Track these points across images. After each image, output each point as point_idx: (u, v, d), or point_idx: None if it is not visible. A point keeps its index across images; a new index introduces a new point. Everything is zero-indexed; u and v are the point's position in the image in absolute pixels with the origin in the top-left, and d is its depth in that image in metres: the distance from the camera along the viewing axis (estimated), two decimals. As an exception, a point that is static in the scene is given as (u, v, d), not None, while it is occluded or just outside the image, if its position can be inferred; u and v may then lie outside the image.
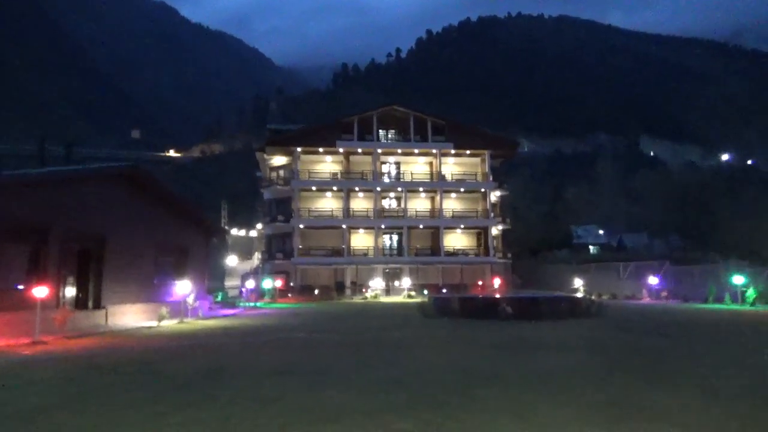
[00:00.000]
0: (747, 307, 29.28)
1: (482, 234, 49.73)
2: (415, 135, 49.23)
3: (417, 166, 50.84)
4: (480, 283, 46.44)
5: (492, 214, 49.77)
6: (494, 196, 51.63)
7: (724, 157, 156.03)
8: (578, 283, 44.46)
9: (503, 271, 48.92)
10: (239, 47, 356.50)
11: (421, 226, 48.71)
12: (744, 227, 66.14)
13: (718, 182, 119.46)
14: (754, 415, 6.93)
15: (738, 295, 31.22)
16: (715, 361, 11.51)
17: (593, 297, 40.21)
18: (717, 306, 30.62)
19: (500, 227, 51.68)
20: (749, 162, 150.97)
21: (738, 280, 31.34)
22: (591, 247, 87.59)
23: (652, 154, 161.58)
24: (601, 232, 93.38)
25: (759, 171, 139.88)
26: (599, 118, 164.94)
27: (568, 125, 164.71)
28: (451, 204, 50.51)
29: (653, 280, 37.48)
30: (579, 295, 35.07)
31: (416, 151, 49.67)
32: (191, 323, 21.43)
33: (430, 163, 50.65)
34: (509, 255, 52.13)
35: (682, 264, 44.84)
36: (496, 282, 44.47)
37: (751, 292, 30.64)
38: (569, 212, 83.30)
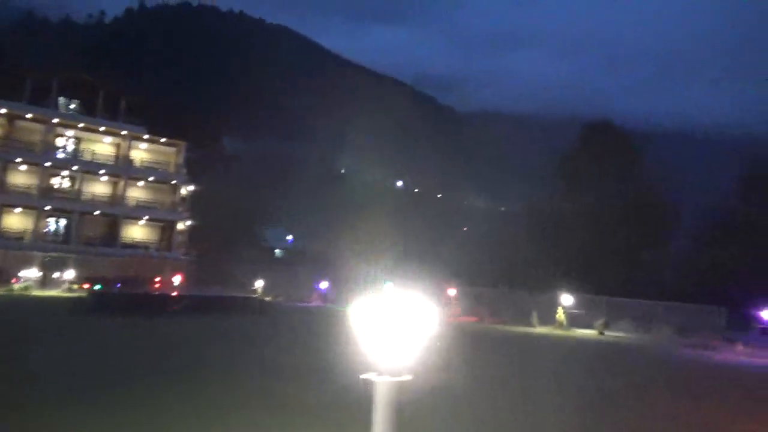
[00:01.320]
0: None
1: (168, 228, 47.46)
2: (105, 111, 44.41)
3: (101, 146, 45.80)
4: (158, 279, 44.07)
5: (181, 209, 47.95)
6: (186, 189, 49.87)
7: (399, 183, 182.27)
8: (259, 283, 46.14)
9: (187, 268, 47.43)
10: None
11: (97, 213, 43.93)
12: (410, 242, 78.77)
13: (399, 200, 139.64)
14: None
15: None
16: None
17: (267, 297, 42.24)
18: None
19: (189, 223, 50.11)
20: (415, 190, 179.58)
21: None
22: (277, 250, 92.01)
23: (342, 171, 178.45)
24: (289, 237, 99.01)
25: (420, 196, 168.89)
26: (297, 127, 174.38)
27: (275, 126, 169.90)
28: (137, 193, 46.90)
29: (323, 285, 41.29)
30: (251, 295, 36.21)
31: (102, 128, 44.76)
32: None
33: (118, 145, 46.23)
34: (196, 252, 50.86)
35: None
36: (177, 279, 42.87)
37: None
38: (263, 214, 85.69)
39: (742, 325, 24.06)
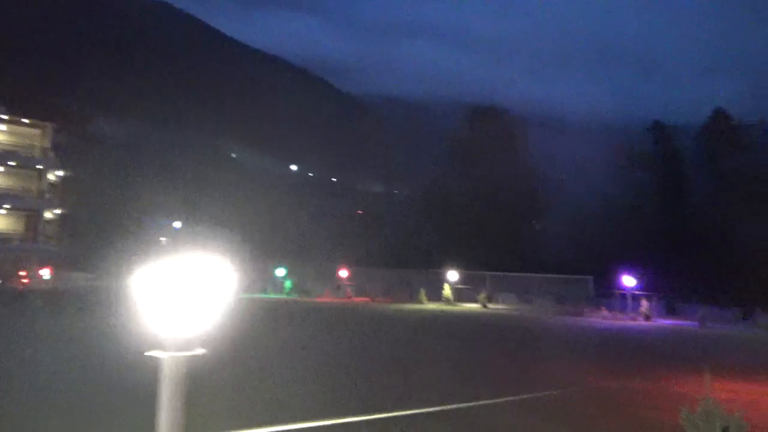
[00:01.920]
0: (284, 296, 34.04)
1: (33, 217, 43.27)
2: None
3: (-52, 127, 40.64)
4: (24, 273, 40.14)
5: (48, 196, 43.89)
6: (54, 175, 45.69)
7: (293, 167, 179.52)
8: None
9: (56, 260, 43.59)
10: None
11: (-55, 202, 39.04)
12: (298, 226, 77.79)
13: (285, 188, 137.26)
14: None
15: (278, 286, 36.12)
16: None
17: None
18: (263, 295, 34.57)
19: (59, 211, 46.05)
20: (309, 174, 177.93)
21: (280, 272, 36.29)
22: (162, 238, 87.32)
23: (233, 156, 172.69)
24: (176, 224, 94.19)
25: (313, 180, 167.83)
26: (184, 110, 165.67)
27: (160, 110, 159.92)
28: (-5, 179, 42.24)
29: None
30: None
31: (-52, 107, 39.65)
32: None
33: (-30, 126, 41.24)
34: (68, 243, 46.92)
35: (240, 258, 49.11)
36: (45, 272, 39.29)
37: (287, 284, 35.84)
38: (146, 201, 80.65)
39: (608, 292, 26.18)
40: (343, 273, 33.45)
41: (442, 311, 24.90)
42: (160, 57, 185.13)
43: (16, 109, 41.98)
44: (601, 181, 46.82)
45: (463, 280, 31.98)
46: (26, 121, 43.29)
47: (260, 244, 69.28)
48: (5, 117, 41.94)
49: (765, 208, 36.99)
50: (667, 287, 27.79)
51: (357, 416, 6.22)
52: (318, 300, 31.18)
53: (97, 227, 60.37)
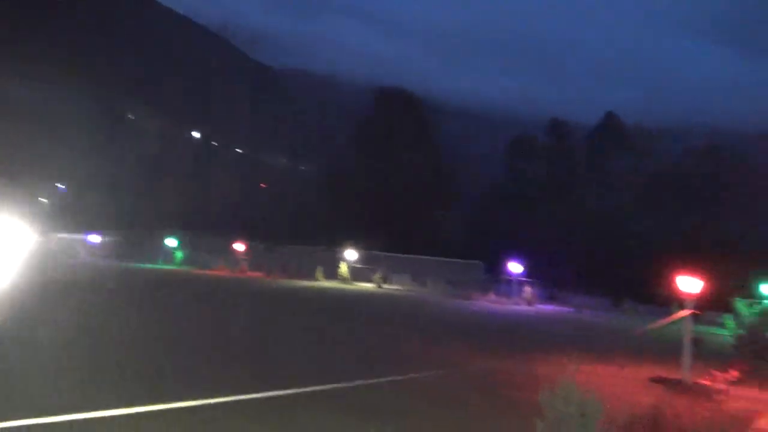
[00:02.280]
0: (174, 267, 32.52)
1: None
2: None
3: None
4: None
5: None
6: None
7: (195, 133, 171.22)
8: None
9: None
10: None
11: None
12: (198, 197, 74.54)
13: (187, 155, 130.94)
14: None
15: (169, 256, 34.43)
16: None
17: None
18: (151, 266, 32.77)
19: None
20: (213, 143, 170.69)
21: (170, 242, 34.59)
22: (43, 200, 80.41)
23: (131, 116, 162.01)
24: (60, 186, 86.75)
25: (217, 150, 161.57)
26: (78, 69, 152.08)
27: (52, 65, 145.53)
28: None
29: (94, 238, 37.08)
30: None
31: None
32: None
33: None
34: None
35: (138, 227, 46.24)
36: None
37: (179, 254, 34.26)
38: (23, 161, 73.41)
39: (497, 277, 27.39)
40: (239, 246, 32.44)
41: (335, 289, 24.85)
42: (56, 9, 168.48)
43: None
44: (502, 171, 48.84)
45: (362, 260, 32.19)
46: None
47: (155, 213, 65.81)
48: None
49: (644, 209, 40.40)
50: (551, 275, 29.58)
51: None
52: (209, 273, 30.06)
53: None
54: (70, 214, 57.78)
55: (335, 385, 6.62)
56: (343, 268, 28.96)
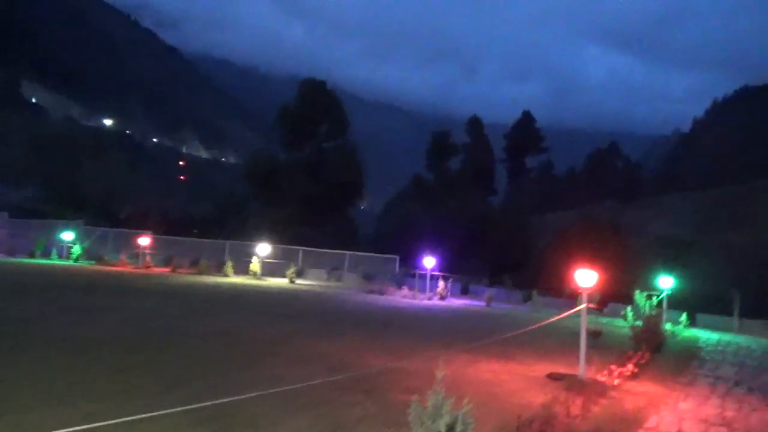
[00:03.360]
0: (71, 263, 30.00)
1: None
2: None
3: None
4: None
5: None
6: None
7: (107, 121, 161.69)
8: None
9: None
10: None
11: None
12: (105, 187, 69.97)
13: (92, 142, 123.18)
14: None
15: (65, 251, 31.72)
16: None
17: None
18: (42, 261, 30.08)
19: None
20: (127, 131, 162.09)
21: (67, 236, 31.87)
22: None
23: (34, 100, 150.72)
24: None
25: (131, 139, 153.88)
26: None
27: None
28: None
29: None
30: None
31: None
32: None
33: None
34: None
35: (34, 217, 42.58)
36: None
37: (76, 249, 31.63)
38: None
39: (412, 272, 27.13)
40: (144, 240, 30.38)
41: (243, 285, 23.70)
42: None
43: None
44: (420, 165, 49.01)
45: (278, 254, 31.11)
46: None
47: (59, 204, 61.14)
48: None
49: (551, 205, 41.81)
50: (465, 269, 29.76)
51: None
52: (108, 268, 27.95)
53: None
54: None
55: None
56: (254, 264, 27.77)
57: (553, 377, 9.08)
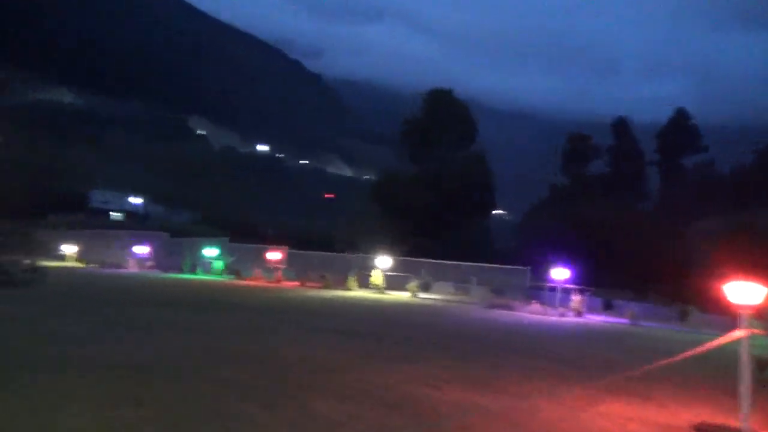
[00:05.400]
0: (213, 277, 31.97)
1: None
2: None
3: None
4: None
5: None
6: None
7: (261, 147, 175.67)
8: (70, 249, 41.04)
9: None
10: None
11: None
12: (252, 207, 75.46)
13: (244, 166, 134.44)
14: None
15: (208, 266, 33.98)
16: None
17: (79, 264, 37.50)
18: (188, 276, 32.43)
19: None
20: (278, 155, 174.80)
21: (209, 252, 34.12)
22: (115, 214, 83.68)
23: (199, 132, 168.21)
24: (138, 200, 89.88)
25: (280, 162, 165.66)
26: (142, 88, 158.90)
27: (119, 83, 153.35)
28: None
29: (141, 249, 37.32)
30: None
31: None
32: None
33: None
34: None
35: (189, 236, 46.79)
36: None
37: (218, 264, 33.72)
38: (71, 173, 76.76)
39: (542, 285, 24.80)
40: (275, 255, 31.47)
41: (359, 299, 23.21)
42: (128, 28, 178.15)
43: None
44: (552, 172, 45.81)
45: (404, 267, 30.45)
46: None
47: (210, 224, 66.76)
48: None
49: (713, 209, 36.42)
50: (606, 282, 26.63)
51: None
52: (243, 283, 29.26)
53: (30, 199, 57.20)
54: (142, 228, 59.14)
55: None
56: (376, 277, 27.30)
57: (702, 429, 6.83)
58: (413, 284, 26.85)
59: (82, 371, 7.67)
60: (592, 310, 23.21)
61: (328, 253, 37.64)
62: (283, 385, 7.50)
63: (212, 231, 56.82)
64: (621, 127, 56.47)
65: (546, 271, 24.58)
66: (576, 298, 21.80)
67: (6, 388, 6.41)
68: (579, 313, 21.48)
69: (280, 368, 8.63)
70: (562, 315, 21.24)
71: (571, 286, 22.35)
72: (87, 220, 63.59)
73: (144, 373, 7.74)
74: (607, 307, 24.73)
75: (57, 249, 40.91)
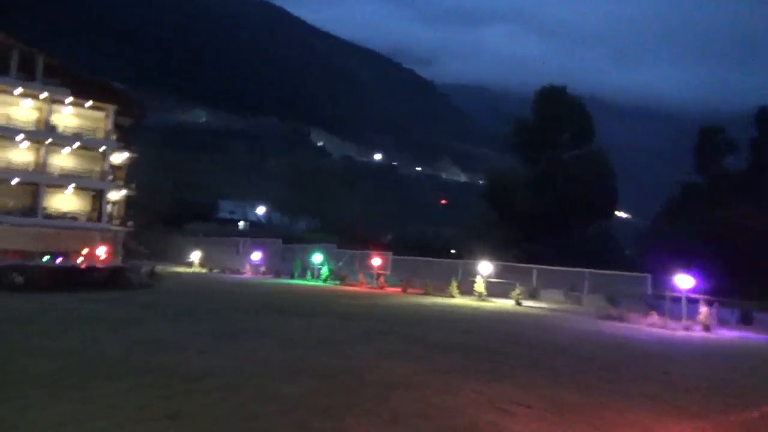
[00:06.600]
0: (319, 283, 32.62)
1: (98, 198, 44.85)
2: (20, 72, 41.22)
3: (18, 110, 42.69)
4: (86, 251, 41.70)
5: (111, 177, 45.23)
6: (118, 157, 47.13)
7: (377, 156, 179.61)
8: (195, 255, 44.20)
9: (117, 240, 45.04)
10: None
11: (15, 181, 41.13)
12: (363, 213, 76.96)
13: (361, 175, 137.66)
14: None
15: (316, 272, 34.74)
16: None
17: (204, 270, 40.19)
18: (297, 281, 33.39)
19: (123, 192, 47.53)
20: (393, 163, 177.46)
21: (317, 258, 34.87)
22: (241, 223, 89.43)
23: (320, 144, 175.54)
24: (261, 210, 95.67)
25: (396, 170, 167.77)
26: (265, 103, 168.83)
27: (242, 98, 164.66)
28: (63, 160, 44.01)
29: (255, 256, 39.16)
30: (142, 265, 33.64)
31: (18, 91, 41.61)
32: None
33: (40, 109, 43.18)
34: (130, 223, 48.43)
35: (302, 243, 48.61)
36: (101, 250, 40.50)
37: (324, 270, 34.34)
38: (202, 186, 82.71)
39: (663, 294, 22.18)
40: (377, 261, 31.40)
41: (459, 306, 22.22)
42: (241, 46, 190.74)
43: (79, 92, 43.35)
44: (681, 172, 41.32)
45: (507, 273, 28.93)
46: (90, 104, 44.67)
47: (322, 230, 68.88)
48: (68, 100, 43.48)
49: None
50: (745, 292, 23.26)
51: None
52: (346, 288, 29.45)
53: (165, 209, 62.54)
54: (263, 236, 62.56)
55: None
56: (478, 284, 26.12)
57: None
58: (517, 291, 25.34)
59: (138, 378, 7.72)
60: (724, 324, 20.29)
61: (433, 259, 36.91)
62: (335, 405, 7.03)
63: (328, 237, 58.42)
64: (766, 117, 49.96)
65: (670, 279, 21.95)
66: (704, 310, 19.13)
67: (55, 395, 6.52)
68: (707, 328, 18.83)
69: (340, 385, 8.15)
70: (687, 329, 18.74)
71: (700, 296, 19.69)
72: (219, 229, 68.42)
73: (196, 384, 7.64)
74: (745, 321, 21.51)
75: (187, 256, 44.18)
